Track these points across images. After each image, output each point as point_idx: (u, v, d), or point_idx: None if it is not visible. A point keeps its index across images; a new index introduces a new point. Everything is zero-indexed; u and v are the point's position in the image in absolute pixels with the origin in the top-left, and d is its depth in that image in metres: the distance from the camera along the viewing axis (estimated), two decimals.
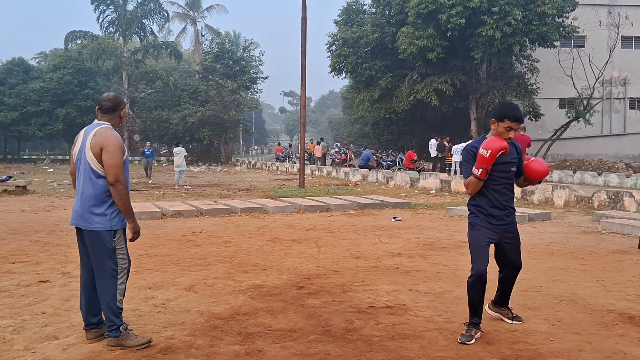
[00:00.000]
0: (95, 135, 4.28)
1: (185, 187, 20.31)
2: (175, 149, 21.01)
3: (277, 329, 4.73)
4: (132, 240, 4.44)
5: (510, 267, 4.75)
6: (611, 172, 25.00)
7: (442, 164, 27.61)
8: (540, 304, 5.52)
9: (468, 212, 4.69)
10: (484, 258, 4.51)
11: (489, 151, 4.29)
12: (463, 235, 9.73)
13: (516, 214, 12.00)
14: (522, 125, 25.51)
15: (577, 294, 5.87)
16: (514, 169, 4.55)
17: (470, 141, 4.87)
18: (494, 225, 4.53)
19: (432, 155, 28.08)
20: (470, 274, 4.55)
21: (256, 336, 4.54)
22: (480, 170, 4.35)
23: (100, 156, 4.22)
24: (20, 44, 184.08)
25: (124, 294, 4.37)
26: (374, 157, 28.82)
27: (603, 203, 13.22)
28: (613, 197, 13.10)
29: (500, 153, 4.30)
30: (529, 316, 5.09)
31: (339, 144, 44.13)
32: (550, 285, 6.22)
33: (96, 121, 4.43)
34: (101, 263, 4.28)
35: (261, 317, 5.06)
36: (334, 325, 4.81)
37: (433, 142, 27.87)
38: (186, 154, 21.60)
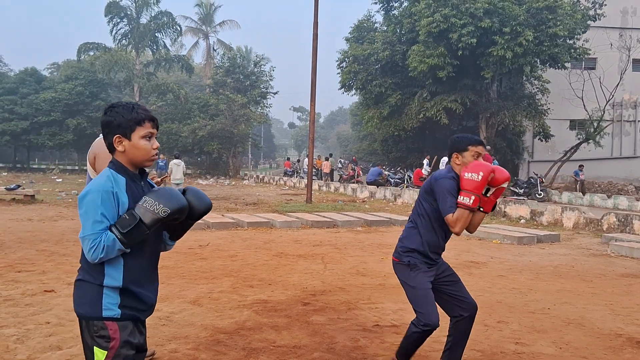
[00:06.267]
0: (92, 146, 4.31)
1: None
2: (175, 161, 20.43)
3: (281, 345, 4.70)
4: None
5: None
6: (621, 194, 24.85)
7: None
8: (548, 326, 5.46)
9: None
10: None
11: (481, 174, 3.63)
12: (471, 255, 9.68)
13: (525, 234, 11.85)
14: (487, 147, 25.03)
15: (585, 317, 5.81)
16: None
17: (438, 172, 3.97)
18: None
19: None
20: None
21: (260, 352, 4.51)
22: (473, 197, 3.63)
23: (94, 164, 4.24)
24: (33, 54, 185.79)
25: None
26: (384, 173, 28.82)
27: (612, 226, 13.13)
28: (623, 219, 13.01)
29: (491, 175, 3.69)
30: (537, 338, 5.03)
31: (342, 160, 44.12)
32: (558, 308, 6.16)
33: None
34: None
35: (265, 332, 5.03)
36: (339, 343, 4.77)
37: (444, 160, 27.78)
38: (184, 167, 21.00)
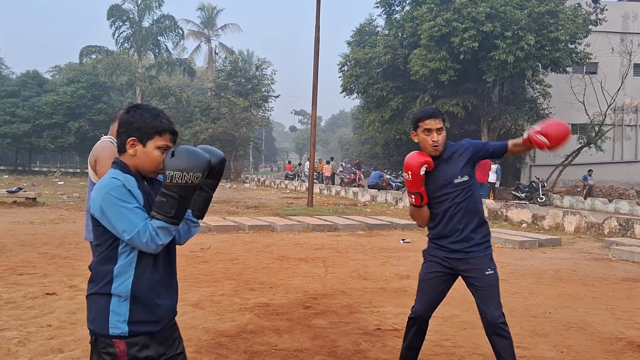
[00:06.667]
0: (94, 149, 4.33)
1: None
2: None
3: (282, 348, 4.70)
4: None
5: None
6: (622, 199, 24.86)
7: None
8: (549, 330, 5.46)
9: None
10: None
11: (409, 173, 3.52)
12: None
13: (527, 239, 11.75)
14: None
15: (586, 321, 5.81)
16: (460, 179, 3.60)
17: None
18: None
19: None
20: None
21: (262, 355, 4.51)
22: (413, 196, 3.61)
23: (95, 168, 4.25)
24: (35, 57, 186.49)
25: None
26: (384, 177, 28.88)
27: (614, 230, 13.12)
28: (624, 224, 13.00)
29: (424, 168, 3.51)
30: (538, 342, 5.03)
31: (343, 164, 44.27)
32: (559, 312, 6.16)
33: (103, 136, 4.48)
34: None
35: (267, 336, 5.03)
36: (340, 347, 4.77)
37: None
38: None
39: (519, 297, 6.80)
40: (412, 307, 3.78)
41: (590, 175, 27.20)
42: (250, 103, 45.71)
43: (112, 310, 2.27)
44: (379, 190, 24.85)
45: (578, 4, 28.40)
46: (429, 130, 3.55)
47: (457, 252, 3.63)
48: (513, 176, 31.83)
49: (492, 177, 24.19)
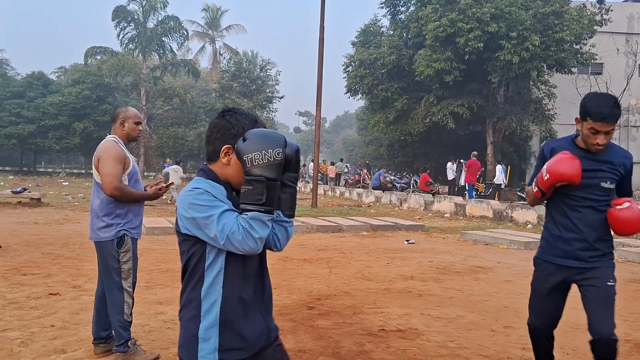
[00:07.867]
0: (97, 149, 4.33)
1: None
2: (175, 167, 21.37)
3: (286, 349, 4.66)
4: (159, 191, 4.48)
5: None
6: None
7: (458, 187, 27.43)
8: (555, 331, 5.40)
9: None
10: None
11: (547, 176, 3.27)
12: (477, 260, 9.63)
13: (532, 239, 11.66)
14: (474, 152, 24.25)
15: None
16: (604, 184, 3.38)
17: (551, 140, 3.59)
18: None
19: (449, 178, 27.82)
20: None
21: None
22: (536, 189, 3.42)
23: (98, 167, 4.25)
24: (40, 58, 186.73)
25: (132, 307, 4.33)
26: (387, 178, 28.83)
27: None
28: None
29: (561, 182, 3.27)
30: None
31: (347, 165, 44.27)
32: (565, 313, 6.07)
33: (107, 136, 4.47)
34: (107, 275, 4.26)
35: None
36: (344, 348, 4.74)
37: (449, 165, 27.62)
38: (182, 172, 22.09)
39: (525, 298, 6.73)
40: (528, 319, 3.82)
41: None
42: (254, 104, 45.78)
43: (201, 337, 2.08)
44: (383, 191, 24.82)
45: (583, 4, 28.35)
46: (596, 131, 3.24)
47: (580, 260, 3.49)
48: (519, 177, 31.76)
49: (498, 178, 24.10)
